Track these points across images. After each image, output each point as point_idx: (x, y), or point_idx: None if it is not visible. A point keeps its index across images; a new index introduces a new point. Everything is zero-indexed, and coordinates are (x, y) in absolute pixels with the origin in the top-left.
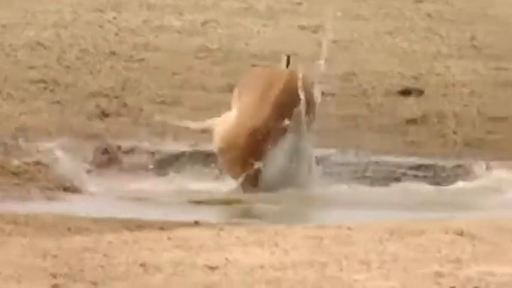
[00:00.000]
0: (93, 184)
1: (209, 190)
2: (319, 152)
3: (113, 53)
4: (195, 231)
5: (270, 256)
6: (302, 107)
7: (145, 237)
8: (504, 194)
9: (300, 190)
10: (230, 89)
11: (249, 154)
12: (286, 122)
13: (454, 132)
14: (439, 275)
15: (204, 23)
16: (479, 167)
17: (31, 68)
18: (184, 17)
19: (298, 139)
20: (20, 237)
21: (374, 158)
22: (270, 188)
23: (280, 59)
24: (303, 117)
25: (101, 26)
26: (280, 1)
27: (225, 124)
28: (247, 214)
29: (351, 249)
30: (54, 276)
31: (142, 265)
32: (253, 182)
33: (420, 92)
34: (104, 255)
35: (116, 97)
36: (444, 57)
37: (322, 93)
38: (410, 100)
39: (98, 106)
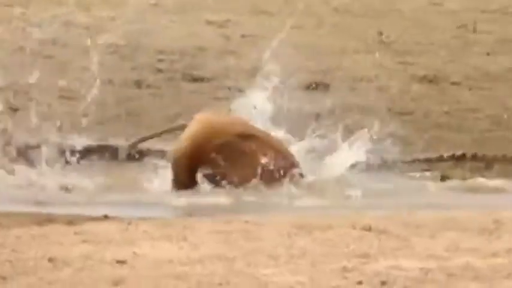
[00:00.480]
0: None
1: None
2: None
3: (21, 49)
4: (103, 226)
5: (178, 250)
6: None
7: (54, 232)
8: None
9: None
10: (138, 84)
11: (205, 153)
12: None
13: (362, 127)
14: (346, 269)
15: (112, 19)
16: None
17: None
18: (92, 13)
19: None
20: None
21: None
22: None
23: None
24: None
25: (8, 22)
26: None
27: (194, 123)
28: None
29: (259, 243)
30: None
31: (50, 260)
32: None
33: (327, 87)
34: (12, 250)
35: (25, 93)
36: (351, 51)
37: (229, 88)
38: (318, 95)
39: (6, 101)
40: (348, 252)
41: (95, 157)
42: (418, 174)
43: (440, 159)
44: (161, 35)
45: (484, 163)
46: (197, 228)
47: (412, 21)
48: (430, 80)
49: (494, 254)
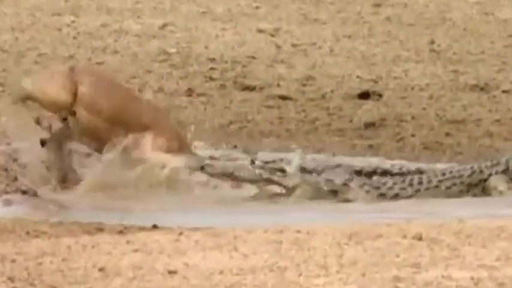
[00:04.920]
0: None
1: None
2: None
3: (72, 57)
4: (154, 235)
5: (229, 260)
6: None
7: (104, 241)
8: None
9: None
10: (189, 92)
11: None
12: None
13: (413, 135)
14: (397, 279)
15: (162, 27)
16: None
17: None
18: (142, 20)
19: None
20: None
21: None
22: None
23: None
24: None
25: (59, 30)
26: (239, 4)
27: None
28: None
29: (309, 253)
30: (12, 280)
31: (101, 269)
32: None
33: (379, 96)
34: (63, 259)
35: None
36: (403, 60)
37: (283, 98)
38: (369, 103)
39: None
40: (398, 261)
41: None
42: None
43: None
44: (212, 43)
45: None
46: (248, 238)
47: (463, 30)
48: (481, 88)
49: None
